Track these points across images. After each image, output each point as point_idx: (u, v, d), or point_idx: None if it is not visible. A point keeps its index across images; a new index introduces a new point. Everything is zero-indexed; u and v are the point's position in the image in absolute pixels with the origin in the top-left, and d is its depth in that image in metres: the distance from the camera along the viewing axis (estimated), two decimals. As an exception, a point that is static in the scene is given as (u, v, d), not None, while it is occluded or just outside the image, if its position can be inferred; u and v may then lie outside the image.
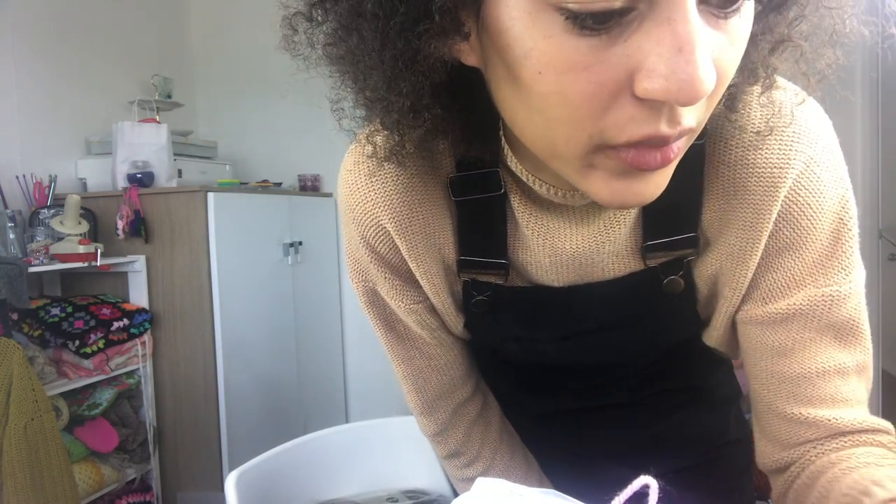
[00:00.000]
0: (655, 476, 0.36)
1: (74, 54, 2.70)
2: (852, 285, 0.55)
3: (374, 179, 0.58)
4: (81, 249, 2.19)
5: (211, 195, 2.43)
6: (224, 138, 3.28)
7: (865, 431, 0.56)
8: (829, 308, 0.54)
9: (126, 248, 2.46)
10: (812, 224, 0.53)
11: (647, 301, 0.60)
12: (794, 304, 0.55)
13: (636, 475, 0.37)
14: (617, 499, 0.36)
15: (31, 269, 2.08)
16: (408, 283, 0.63)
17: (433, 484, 1.13)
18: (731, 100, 0.48)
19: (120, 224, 2.40)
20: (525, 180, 0.54)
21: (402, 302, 0.64)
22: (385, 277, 0.63)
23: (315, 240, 3.08)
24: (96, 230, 2.44)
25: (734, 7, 0.36)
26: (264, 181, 2.95)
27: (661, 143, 0.38)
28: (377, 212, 0.58)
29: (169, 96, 2.97)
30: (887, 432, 0.57)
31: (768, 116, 0.50)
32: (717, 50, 0.36)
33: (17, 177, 2.38)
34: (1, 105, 2.40)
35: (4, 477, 1.80)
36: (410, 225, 0.58)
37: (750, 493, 0.79)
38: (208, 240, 2.43)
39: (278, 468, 1.04)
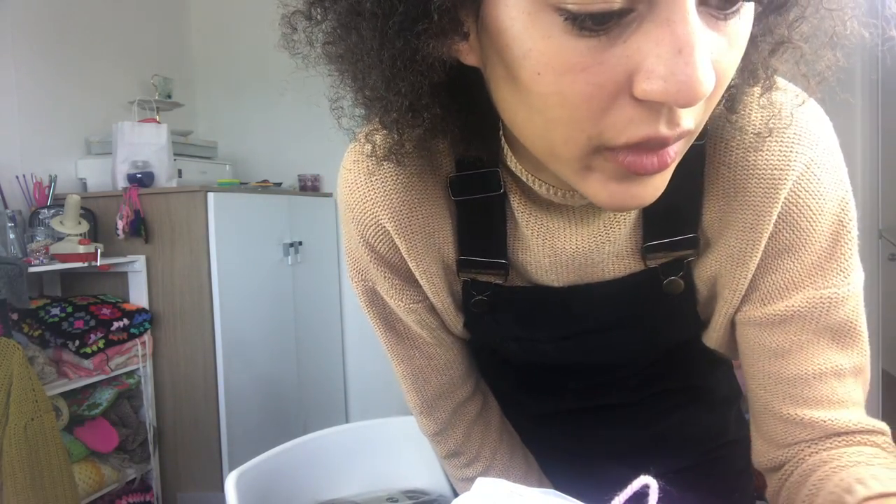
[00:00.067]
0: (655, 476, 0.37)
1: (74, 54, 2.70)
2: (851, 288, 0.55)
3: (373, 178, 0.58)
4: (81, 249, 2.19)
5: (211, 195, 2.43)
6: (224, 138, 3.28)
7: (860, 432, 0.56)
8: (827, 310, 0.55)
9: (126, 248, 2.46)
10: (811, 226, 0.53)
11: (647, 302, 0.60)
12: (793, 305, 0.55)
13: (636, 475, 0.37)
14: (617, 499, 0.36)
15: (31, 269, 2.08)
16: (407, 283, 0.63)
17: (433, 484, 1.13)
18: (731, 101, 0.48)
19: (120, 224, 2.40)
20: (525, 180, 0.54)
21: (402, 301, 0.64)
22: (384, 277, 0.63)
23: (315, 240, 3.08)
24: (96, 230, 2.44)
25: (734, 8, 0.36)
26: (264, 181, 2.96)
27: (660, 144, 0.38)
28: (377, 211, 0.58)
29: (169, 96, 2.97)
30: (882, 433, 0.57)
31: (768, 118, 0.50)
32: (716, 51, 0.36)
33: (17, 177, 2.38)
34: (1, 105, 2.40)
35: (4, 477, 1.80)
36: (410, 224, 0.58)
37: (750, 493, 0.79)
38: (208, 240, 2.43)
39: (278, 468, 1.04)
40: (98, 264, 2.23)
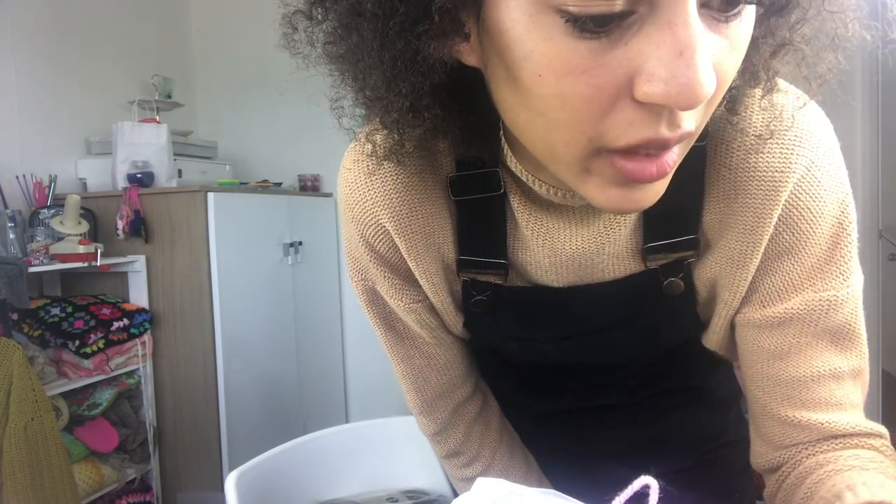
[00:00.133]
0: (655, 476, 0.37)
1: (74, 54, 2.70)
2: (850, 290, 0.55)
3: (373, 178, 0.58)
4: (81, 249, 2.19)
5: (211, 195, 2.43)
6: (224, 138, 3.28)
7: (858, 435, 0.56)
8: (826, 313, 0.55)
9: (126, 248, 2.46)
10: (812, 228, 0.53)
11: (647, 303, 0.60)
12: (792, 308, 0.55)
13: (636, 475, 0.37)
14: (618, 499, 0.36)
15: (31, 269, 2.08)
16: (407, 283, 0.63)
17: (433, 484, 1.13)
18: (733, 102, 0.48)
19: (120, 224, 2.40)
20: (525, 180, 0.54)
21: (402, 301, 0.64)
22: (384, 276, 0.63)
23: (315, 240, 3.08)
24: (96, 230, 2.44)
25: (735, 11, 0.36)
26: (264, 181, 2.95)
27: (660, 146, 0.38)
28: (376, 211, 0.58)
29: (169, 96, 2.97)
30: (880, 436, 0.57)
31: (769, 120, 0.50)
32: (717, 54, 0.36)
33: (17, 177, 2.38)
34: (1, 105, 2.40)
35: (4, 477, 1.80)
36: (410, 224, 0.58)
37: (750, 493, 0.79)
38: (208, 240, 2.43)
39: (278, 468, 1.04)
40: (98, 264, 2.23)
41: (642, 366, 0.72)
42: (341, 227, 0.65)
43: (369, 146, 0.52)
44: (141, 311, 2.40)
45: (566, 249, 0.57)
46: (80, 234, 2.25)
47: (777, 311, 0.56)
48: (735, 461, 0.77)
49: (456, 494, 0.78)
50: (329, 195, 3.26)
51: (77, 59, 2.71)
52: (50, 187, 2.44)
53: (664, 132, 0.37)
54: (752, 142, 0.51)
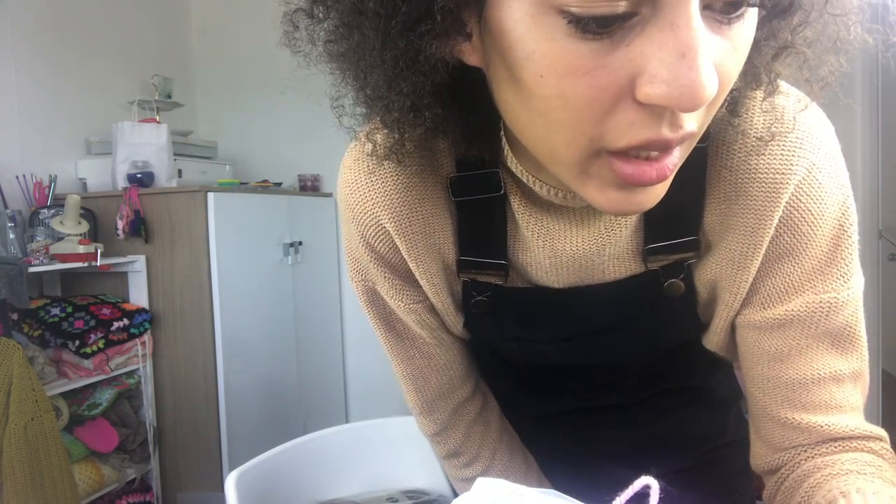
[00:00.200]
0: (655, 476, 0.37)
1: (74, 54, 2.70)
2: (850, 292, 0.55)
3: (373, 178, 0.58)
4: (81, 249, 2.19)
5: (211, 195, 2.43)
6: (224, 138, 3.28)
7: (857, 438, 0.56)
8: (826, 315, 0.55)
9: (126, 248, 2.46)
10: (812, 230, 0.53)
11: (648, 304, 0.60)
12: (792, 310, 0.55)
13: (636, 475, 0.37)
14: (618, 499, 0.36)
15: (31, 269, 2.08)
16: (407, 283, 0.63)
17: (433, 484, 1.13)
18: (734, 104, 0.48)
19: (120, 224, 2.40)
20: (525, 181, 0.54)
21: (402, 301, 0.64)
22: (384, 277, 0.63)
23: (315, 240, 3.08)
24: (96, 230, 2.44)
25: (737, 13, 0.36)
26: (264, 181, 2.95)
27: (662, 147, 0.38)
28: (377, 211, 0.58)
29: (169, 96, 2.97)
30: (880, 439, 0.57)
31: (770, 122, 0.50)
32: (719, 56, 0.36)
33: (17, 177, 2.38)
34: (1, 105, 2.40)
35: (4, 477, 1.80)
36: (410, 224, 0.58)
37: (750, 494, 0.79)
38: (208, 240, 2.43)
39: (278, 468, 1.04)
40: (98, 264, 2.23)
41: (642, 366, 0.72)
42: (341, 227, 0.65)
43: (370, 146, 0.51)
44: (141, 311, 2.40)
45: (566, 250, 0.57)
46: (80, 234, 2.25)
47: (777, 313, 0.56)
48: (735, 461, 0.77)
49: (456, 494, 0.78)
50: (329, 195, 3.26)
51: (77, 58, 2.71)
52: (50, 187, 2.44)
53: (666, 133, 0.37)
54: (754, 144, 0.51)
